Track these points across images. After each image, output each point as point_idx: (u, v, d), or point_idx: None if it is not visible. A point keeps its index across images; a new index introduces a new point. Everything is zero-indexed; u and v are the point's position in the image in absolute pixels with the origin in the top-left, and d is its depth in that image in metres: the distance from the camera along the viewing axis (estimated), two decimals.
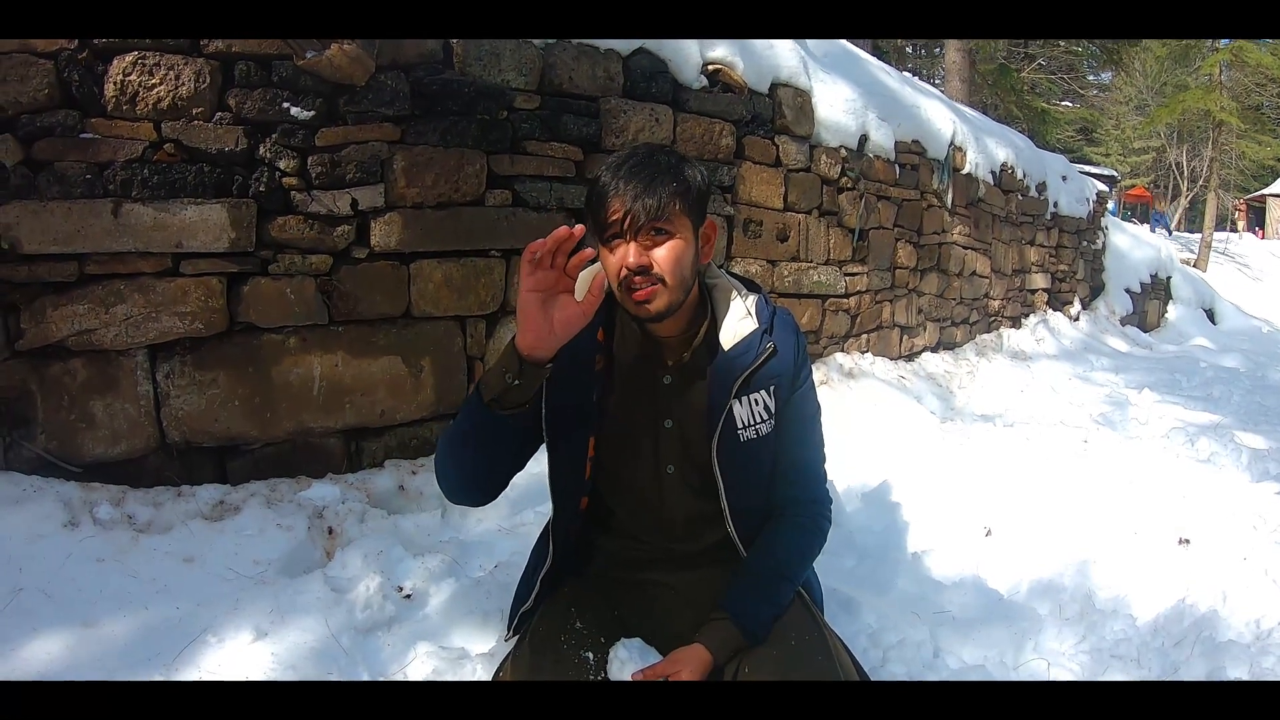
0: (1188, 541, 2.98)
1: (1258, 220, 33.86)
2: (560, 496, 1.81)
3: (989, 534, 3.18)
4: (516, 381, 1.53)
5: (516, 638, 1.85)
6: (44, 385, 2.56)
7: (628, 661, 1.63)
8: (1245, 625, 2.47)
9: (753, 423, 1.72)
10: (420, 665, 2.04)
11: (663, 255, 1.57)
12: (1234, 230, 29.48)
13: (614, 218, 1.55)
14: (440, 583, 2.37)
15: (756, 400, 1.72)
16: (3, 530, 2.29)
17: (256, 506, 2.65)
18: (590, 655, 1.64)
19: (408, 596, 2.32)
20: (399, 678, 2.04)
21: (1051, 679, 2.26)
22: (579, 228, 1.45)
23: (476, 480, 1.75)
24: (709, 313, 1.75)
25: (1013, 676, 2.30)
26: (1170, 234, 14.61)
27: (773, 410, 1.75)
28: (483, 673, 1.97)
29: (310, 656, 2.02)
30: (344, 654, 2.06)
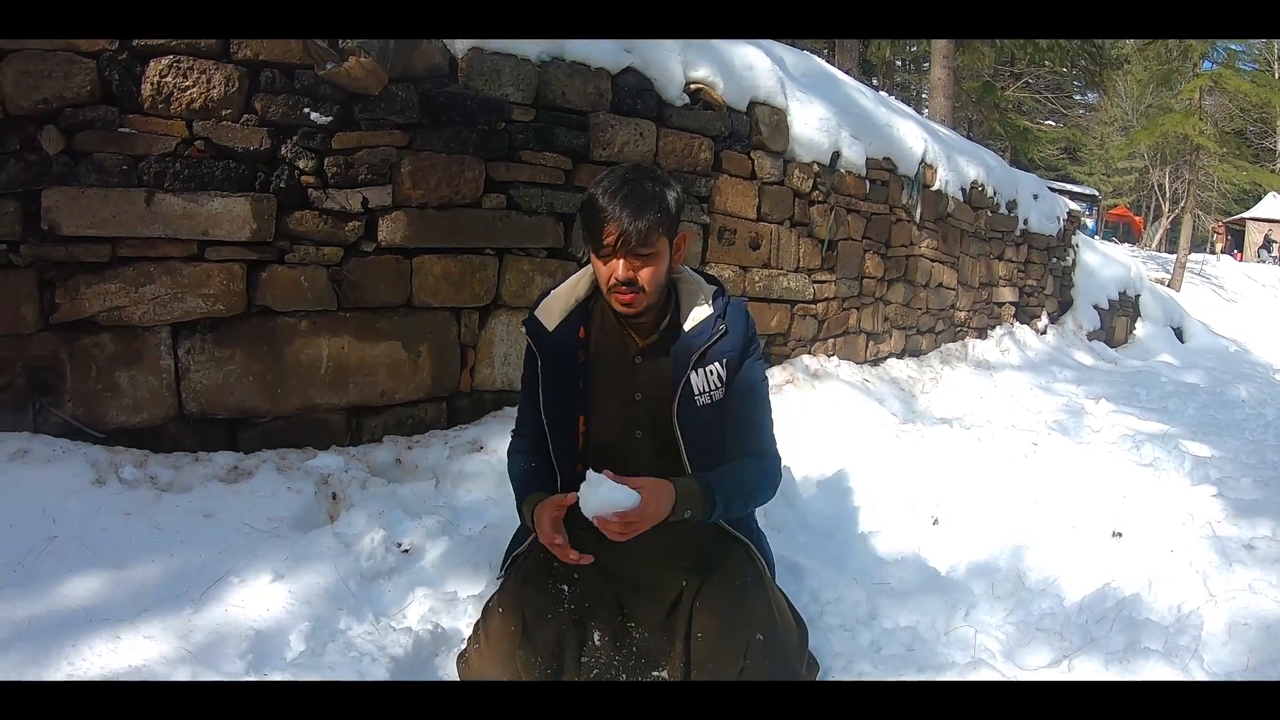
0: (1120, 535, 3.13)
1: (1236, 243, 34.14)
2: (561, 465, 2.12)
3: (936, 523, 3.36)
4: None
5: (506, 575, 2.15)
6: (73, 356, 2.75)
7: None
8: (1167, 609, 2.63)
9: (707, 390, 2.04)
10: (418, 606, 2.31)
11: (646, 274, 1.91)
12: (1212, 252, 29.67)
13: (608, 240, 1.88)
14: (435, 539, 2.63)
15: (711, 371, 2.04)
16: (37, 485, 2.49)
17: (268, 472, 2.86)
18: (565, 588, 1.96)
19: (406, 551, 2.58)
20: (399, 618, 2.30)
21: (978, 645, 2.44)
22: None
23: None
24: (674, 301, 2.08)
25: (942, 640, 2.49)
26: (1091, 236, 14.67)
27: (724, 380, 2.06)
28: (473, 612, 2.23)
29: (323, 596, 2.29)
30: (351, 595, 2.32)
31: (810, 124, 4.92)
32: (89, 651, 1.96)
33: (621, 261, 1.89)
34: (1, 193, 2.58)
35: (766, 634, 1.90)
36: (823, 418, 4.49)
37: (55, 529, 2.39)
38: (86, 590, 2.21)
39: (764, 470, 2.10)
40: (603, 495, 1.75)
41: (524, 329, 2.14)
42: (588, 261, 2.05)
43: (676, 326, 2.06)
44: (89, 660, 1.94)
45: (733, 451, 2.10)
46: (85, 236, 2.70)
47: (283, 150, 2.98)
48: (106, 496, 2.56)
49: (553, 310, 2.10)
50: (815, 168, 5.00)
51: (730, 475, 2.01)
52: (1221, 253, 29.65)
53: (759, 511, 2.36)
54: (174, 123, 2.80)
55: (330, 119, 3.03)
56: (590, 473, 1.79)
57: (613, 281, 1.91)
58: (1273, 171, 27.15)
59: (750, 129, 4.56)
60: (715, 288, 2.12)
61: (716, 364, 2.05)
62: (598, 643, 1.93)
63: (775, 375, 4.87)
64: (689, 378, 2.03)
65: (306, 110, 2.98)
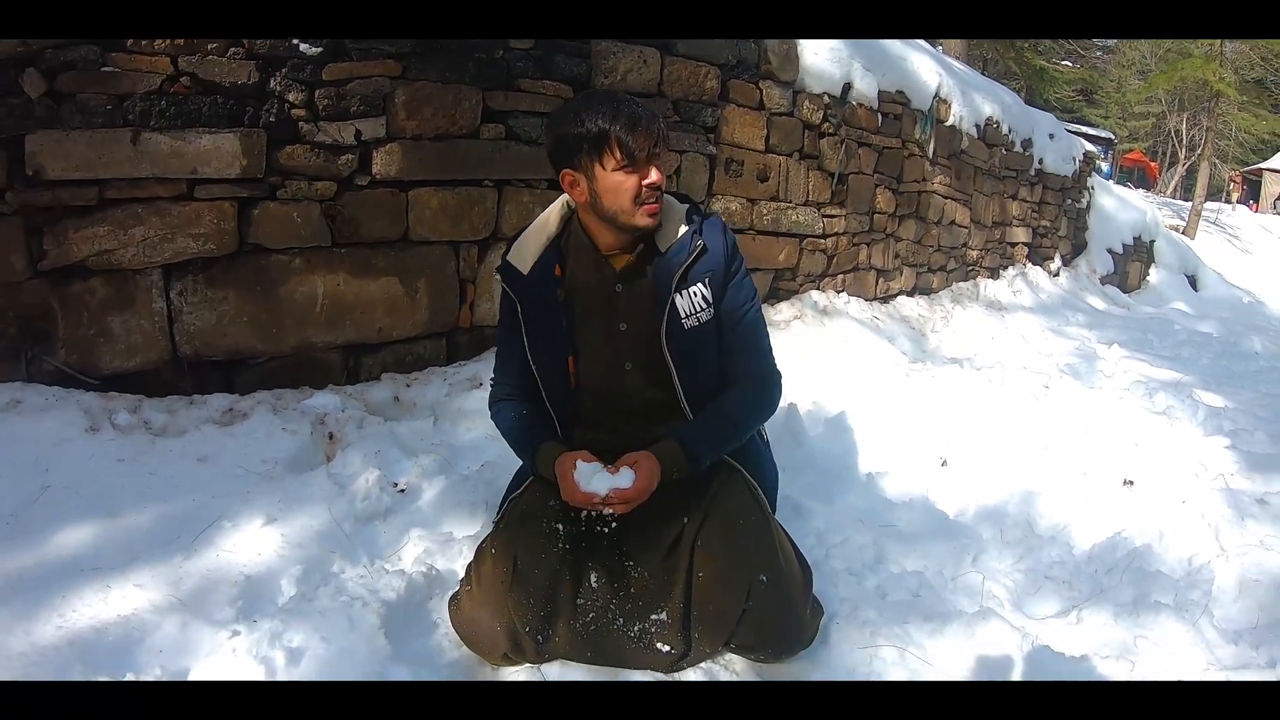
0: (1132, 483, 3.11)
1: (1252, 193, 33.60)
2: (555, 408, 2.06)
3: (944, 464, 3.32)
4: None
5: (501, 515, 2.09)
6: (65, 303, 2.69)
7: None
8: (1178, 562, 2.62)
9: (693, 312, 1.98)
10: (413, 547, 2.27)
11: (662, 176, 1.89)
12: (1228, 202, 29.20)
13: (644, 143, 1.83)
14: (432, 479, 2.58)
15: (695, 292, 1.98)
16: (30, 435, 2.46)
17: (264, 413, 2.82)
18: (560, 526, 1.90)
19: (402, 491, 2.54)
20: (394, 560, 2.25)
21: (986, 592, 2.40)
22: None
23: None
24: None
25: (949, 587, 2.44)
26: (1106, 178, 14.17)
27: (710, 300, 2.00)
28: (469, 553, 2.18)
29: (316, 539, 2.24)
30: (345, 538, 2.28)
31: (821, 54, 4.80)
32: (78, 602, 1.93)
33: (653, 167, 1.86)
34: None
35: (770, 575, 1.86)
36: (831, 355, 4.45)
37: (48, 479, 2.36)
38: (78, 540, 2.18)
39: (754, 398, 2.06)
40: (595, 486, 1.81)
41: (498, 275, 2.08)
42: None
43: (652, 247, 2.00)
44: (79, 611, 1.91)
45: (730, 371, 2.05)
46: (72, 180, 2.62)
47: (271, 83, 2.89)
48: (100, 444, 2.53)
49: (526, 252, 2.04)
50: (826, 99, 4.89)
51: (712, 419, 1.98)
52: (1238, 203, 29.21)
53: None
54: (158, 59, 2.70)
55: (320, 50, 2.93)
56: (580, 464, 1.83)
57: (645, 190, 1.87)
58: None
59: (759, 58, 4.45)
60: (688, 206, 2.05)
61: (700, 284, 1.99)
62: (594, 584, 1.89)
63: (783, 311, 4.83)
64: (673, 300, 1.97)
65: (295, 41, 2.88)
